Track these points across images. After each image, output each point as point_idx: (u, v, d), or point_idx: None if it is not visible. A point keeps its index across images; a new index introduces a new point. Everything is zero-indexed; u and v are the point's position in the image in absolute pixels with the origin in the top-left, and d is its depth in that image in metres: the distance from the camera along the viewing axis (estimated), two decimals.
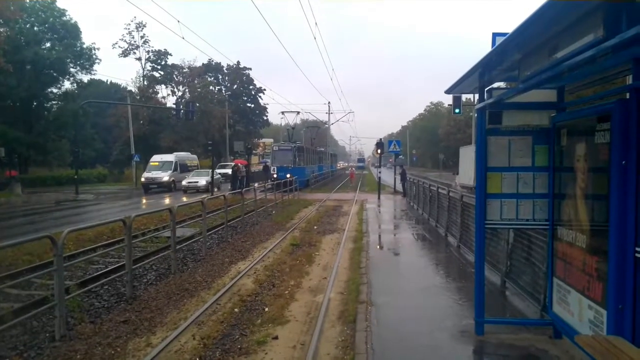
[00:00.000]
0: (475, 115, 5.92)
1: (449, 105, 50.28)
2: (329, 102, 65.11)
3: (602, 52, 3.12)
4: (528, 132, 5.40)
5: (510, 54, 4.04)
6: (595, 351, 3.71)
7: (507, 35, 3.71)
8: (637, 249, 3.82)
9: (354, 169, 61.40)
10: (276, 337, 5.99)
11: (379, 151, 26.27)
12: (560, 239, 5.08)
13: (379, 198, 25.45)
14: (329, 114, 67.51)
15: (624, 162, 3.85)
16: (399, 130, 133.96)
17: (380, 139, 26.19)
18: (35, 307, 6.83)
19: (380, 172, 27.45)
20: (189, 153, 41.62)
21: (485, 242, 9.08)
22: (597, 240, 4.30)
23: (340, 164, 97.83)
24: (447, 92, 5.82)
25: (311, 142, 51.67)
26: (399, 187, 28.49)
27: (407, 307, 6.84)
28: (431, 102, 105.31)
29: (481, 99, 5.36)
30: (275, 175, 32.24)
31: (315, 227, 15.72)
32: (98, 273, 9.26)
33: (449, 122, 78.24)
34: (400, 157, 33.61)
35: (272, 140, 73.18)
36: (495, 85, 5.44)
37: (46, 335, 6.20)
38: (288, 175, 29.97)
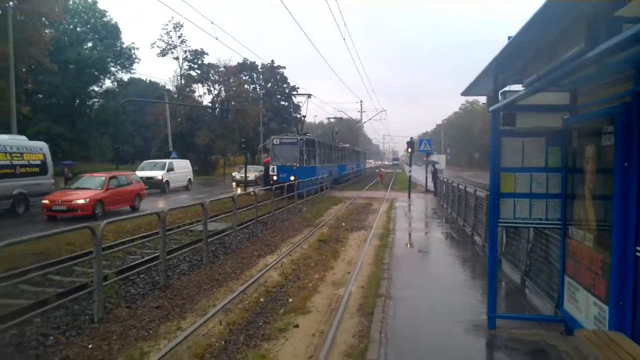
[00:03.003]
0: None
1: (483, 103, 49.54)
2: (360, 101, 65.10)
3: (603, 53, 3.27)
4: (541, 134, 5.56)
5: (516, 58, 4.24)
6: (594, 345, 3.91)
7: (511, 39, 3.91)
8: (638, 247, 3.98)
9: (382, 169, 54.59)
10: (297, 326, 6.35)
11: (409, 150, 26.32)
12: (571, 238, 5.24)
13: (409, 197, 25.54)
14: (361, 112, 67.52)
15: (626, 164, 4.01)
16: (433, 129, 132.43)
17: (412, 138, 26.24)
18: (76, 292, 7.44)
19: (410, 171, 27.46)
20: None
21: (508, 241, 9.32)
22: (602, 240, 4.46)
23: (372, 163, 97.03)
24: (463, 94, 6.02)
25: (332, 137, 45.36)
26: (431, 186, 28.46)
27: (424, 302, 7.08)
28: (466, 100, 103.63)
29: (495, 101, 5.54)
30: (275, 178, 25.38)
31: (343, 224, 16.02)
32: (135, 262, 9.84)
33: (484, 121, 77.02)
34: (432, 155, 33.25)
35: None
36: (510, 88, 5.59)
37: (86, 318, 6.74)
38: (292, 178, 23.54)
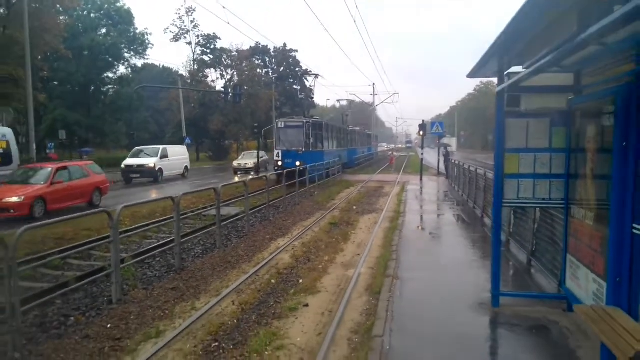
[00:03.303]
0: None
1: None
2: (373, 84, 64.87)
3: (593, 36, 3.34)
4: (546, 115, 5.62)
5: (517, 40, 4.30)
6: (590, 319, 4.06)
7: (509, 22, 3.96)
8: (635, 225, 4.07)
9: (394, 152, 51.71)
10: (307, 305, 6.56)
11: (421, 133, 26.27)
12: (573, 217, 5.34)
13: (421, 180, 25.54)
14: (373, 95, 67.24)
15: (624, 143, 4.09)
16: (447, 111, 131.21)
17: (423, 121, 26.13)
18: (95, 275, 7.74)
19: (422, 154, 27.43)
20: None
21: (516, 222, 9.40)
22: (602, 218, 4.55)
23: (385, 146, 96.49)
24: (469, 76, 6.07)
25: (343, 120, 43.44)
26: (443, 168, 28.41)
27: (431, 281, 7.25)
28: (481, 82, 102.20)
29: (500, 83, 5.61)
30: (280, 163, 24.02)
31: (354, 207, 16.18)
32: (150, 247, 10.12)
33: None
34: (444, 138, 32.97)
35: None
36: (515, 69, 5.64)
37: (104, 299, 7.02)
38: (297, 163, 21.66)
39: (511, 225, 9.62)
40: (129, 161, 27.13)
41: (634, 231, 4.07)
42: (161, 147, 29.14)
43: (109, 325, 5.93)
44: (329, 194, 19.91)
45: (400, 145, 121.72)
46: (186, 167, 30.58)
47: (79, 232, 11.16)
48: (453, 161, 24.69)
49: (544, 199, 5.74)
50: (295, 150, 24.22)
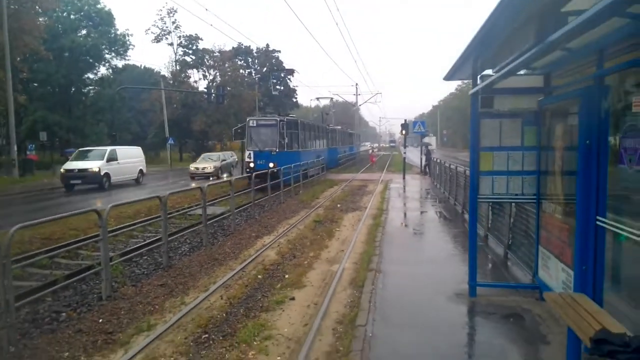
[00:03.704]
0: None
1: None
2: (356, 84, 65.29)
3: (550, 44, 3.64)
4: (518, 115, 5.95)
5: (487, 45, 4.59)
6: (557, 305, 4.36)
7: (479, 29, 4.26)
8: (598, 217, 4.40)
9: (375, 151, 49.18)
10: (293, 298, 6.80)
11: (403, 132, 26.68)
12: (544, 212, 5.68)
13: (403, 178, 25.94)
14: (357, 95, 67.69)
15: (587, 141, 4.41)
16: (430, 110, 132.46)
17: (405, 120, 26.53)
18: (83, 273, 7.88)
19: (405, 153, 27.85)
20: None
21: (494, 217, 9.76)
22: (569, 211, 4.88)
23: (368, 145, 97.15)
24: (446, 79, 6.38)
25: (323, 118, 42.35)
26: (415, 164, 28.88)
27: (412, 274, 7.55)
28: (462, 81, 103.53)
29: (474, 85, 5.92)
30: (252, 165, 22.11)
31: (338, 205, 16.45)
32: (138, 245, 10.26)
33: None
34: (426, 137, 33.34)
35: None
36: (488, 72, 5.95)
37: (94, 296, 7.18)
38: (271, 165, 20.60)
39: (489, 220, 9.99)
40: (70, 165, 23.69)
41: (598, 223, 4.39)
42: (109, 148, 25.65)
43: (100, 320, 6.10)
44: (313, 193, 20.16)
45: (383, 145, 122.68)
46: (141, 171, 27.31)
47: (66, 232, 11.22)
48: (434, 159, 25.14)
49: (517, 195, 6.07)
50: (268, 150, 22.35)
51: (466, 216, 12.86)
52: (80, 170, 23.09)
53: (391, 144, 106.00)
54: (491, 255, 8.76)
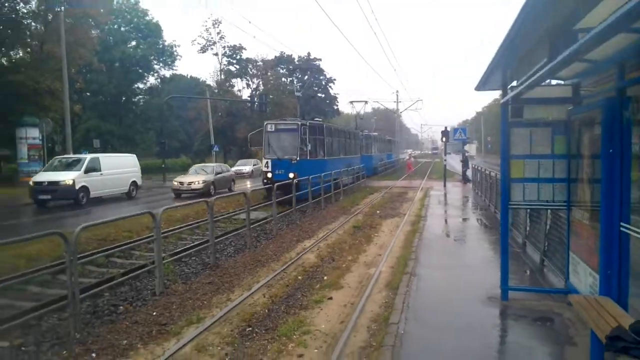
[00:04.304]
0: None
1: None
2: (397, 91, 65.14)
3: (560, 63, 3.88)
4: (548, 124, 6.15)
5: (510, 59, 4.87)
6: (581, 307, 4.58)
7: (503, 39, 4.53)
8: (622, 224, 4.58)
9: (412, 158, 41.69)
10: (331, 298, 7.19)
11: (444, 139, 26.65)
12: (574, 218, 5.86)
13: (444, 186, 25.91)
14: (397, 102, 67.65)
15: (611, 150, 4.62)
16: (474, 117, 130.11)
17: (446, 127, 26.50)
18: (137, 271, 8.56)
19: (445, 160, 27.81)
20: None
21: (532, 225, 9.85)
22: (596, 218, 5.06)
23: (409, 152, 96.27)
24: (477, 89, 6.64)
25: (356, 124, 37.53)
26: (467, 174, 28.66)
27: (446, 278, 7.80)
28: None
29: (504, 95, 6.16)
30: (270, 175, 19.65)
31: (378, 211, 16.74)
32: (186, 247, 10.92)
33: None
34: (467, 145, 32.75)
35: None
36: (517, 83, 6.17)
37: (148, 292, 7.81)
38: (291, 175, 18.34)
39: (527, 228, 10.06)
40: (41, 176, 19.88)
41: (622, 229, 4.58)
42: (89, 156, 21.74)
43: (154, 313, 6.67)
44: (354, 199, 20.51)
45: (426, 152, 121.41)
46: (134, 183, 23.33)
47: (120, 234, 12.02)
48: (474, 167, 24.98)
49: (547, 201, 6.26)
50: (288, 159, 19.69)
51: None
52: (50, 183, 19.07)
53: (433, 151, 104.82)
54: (528, 261, 8.87)
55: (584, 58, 4.65)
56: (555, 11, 3.35)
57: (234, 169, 32.71)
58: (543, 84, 5.60)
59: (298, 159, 19.69)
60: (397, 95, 68.37)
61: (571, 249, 5.96)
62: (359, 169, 28.16)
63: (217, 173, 24.44)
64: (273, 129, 20.75)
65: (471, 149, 44.81)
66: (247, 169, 40.05)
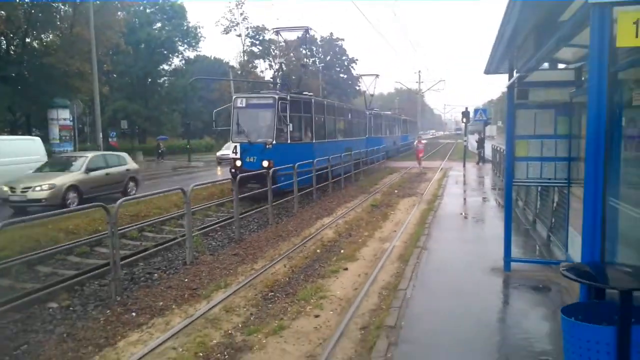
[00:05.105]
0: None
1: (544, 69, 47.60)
2: (419, 71, 64.60)
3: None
4: (551, 106, 6.52)
5: (509, 45, 5.26)
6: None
7: (499, 26, 4.92)
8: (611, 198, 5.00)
9: (422, 141, 31.48)
10: (346, 269, 7.77)
11: (464, 120, 26.78)
12: (573, 194, 6.27)
13: (464, 166, 26.13)
14: (419, 82, 67.24)
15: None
16: (499, 97, 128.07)
17: (466, 108, 26.65)
18: (168, 243, 9.30)
19: (466, 141, 27.96)
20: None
21: (542, 203, 10.23)
22: None
23: (431, 134, 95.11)
24: (486, 72, 7.02)
25: (365, 102, 31.63)
26: (488, 155, 28.73)
27: (454, 252, 8.31)
28: None
29: (510, 78, 6.55)
30: (239, 163, 15.24)
31: (396, 191, 17.21)
32: (213, 222, 11.63)
33: None
34: (488, 126, 32.48)
35: None
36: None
37: (179, 262, 8.52)
38: (265, 164, 14.43)
39: (537, 207, 10.43)
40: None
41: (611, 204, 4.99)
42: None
43: (186, 280, 7.37)
44: (373, 180, 20.98)
45: (447, 132, 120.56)
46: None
47: (150, 210, 12.80)
48: (494, 147, 25.10)
49: (549, 179, 6.67)
50: (261, 142, 15.18)
51: (520, 202, 13.24)
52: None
53: (457, 132, 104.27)
54: (536, 237, 9.28)
55: (581, 44, 5.02)
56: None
57: (219, 153, 28.02)
58: (547, 68, 5.97)
59: (274, 142, 15.12)
60: (419, 75, 67.72)
61: (570, 223, 6.39)
62: (363, 154, 24.09)
63: (90, 170, 14.84)
64: (244, 105, 15.99)
65: (491, 130, 44.16)
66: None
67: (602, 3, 2.95)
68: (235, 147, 15.63)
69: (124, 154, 18.12)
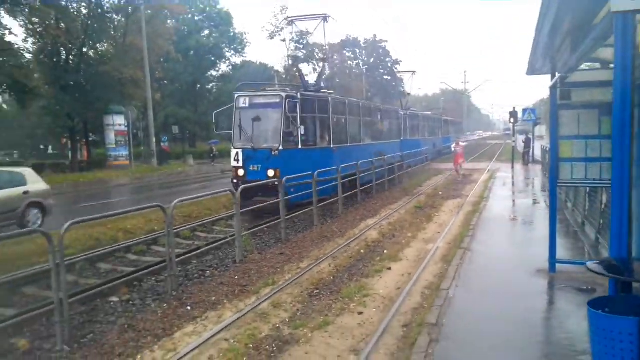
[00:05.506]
0: None
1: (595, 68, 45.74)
2: (464, 71, 63.31)
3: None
4: (595, 106, 6.48)
5: (547, 46, 5.33)
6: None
7: (535, 29, 5.00)
8: None
9: (460, 144, 25.26)
10: (390, 269, 7.96)
11: (511, 120, 26.25)
12: None
13: (512, 168, 25.61)
14: (465, 82, 66.10)
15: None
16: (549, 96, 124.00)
17: (514, 108, 26.10)
18: (219, 243, 9.77)
19: (514, 142, 27.39)
20: None
21: (590, 204, 10.05)
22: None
23: (478, 135, 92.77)
24: (528, 73, 7.06)
25: (402, 104, 29.33)
26: (537, 156, 28.05)
27: (498, 253, 8.33)
28: (586, 65, 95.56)
29: (552, 78, 6.56)
30: (241, 173, 13.36)
31: (440, 192, 17.16)
32: (261, 223, 12.04)
33: None
34: (537, 125, 31.58)
35: None
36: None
37: (229, 260, 8.94)
38: (270, 173, 12.80)
39: (586, 208, 10.24)
40: None
41: None
42: None
43: (236, 277, 7.76)
44: (417, 181, 20.97)
45: (497, 133, 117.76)
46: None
47: (202, 211, 13.37)
48: (543, 147, 24.47)
49: (594, 180, 6.61)
50: (266, 148, 13.21)
51: (569, 204, 12.97)
52: None
53: (506, 132, 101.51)
54: (584, 239, 9.14)
55: None
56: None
57: None
58: (589, 69, 5.97)
59: (281, 148, 13.08)
60: (465, 75, 66.66)
61: None
62: (404, 157, 22.55)
63: None
64: (247, 104, 13.97)
65: (540, 130, 42.72)
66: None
67: (624, 11, 3.05)
68: (237, 153, 13.56)
69: (27, 170, 13.18)
